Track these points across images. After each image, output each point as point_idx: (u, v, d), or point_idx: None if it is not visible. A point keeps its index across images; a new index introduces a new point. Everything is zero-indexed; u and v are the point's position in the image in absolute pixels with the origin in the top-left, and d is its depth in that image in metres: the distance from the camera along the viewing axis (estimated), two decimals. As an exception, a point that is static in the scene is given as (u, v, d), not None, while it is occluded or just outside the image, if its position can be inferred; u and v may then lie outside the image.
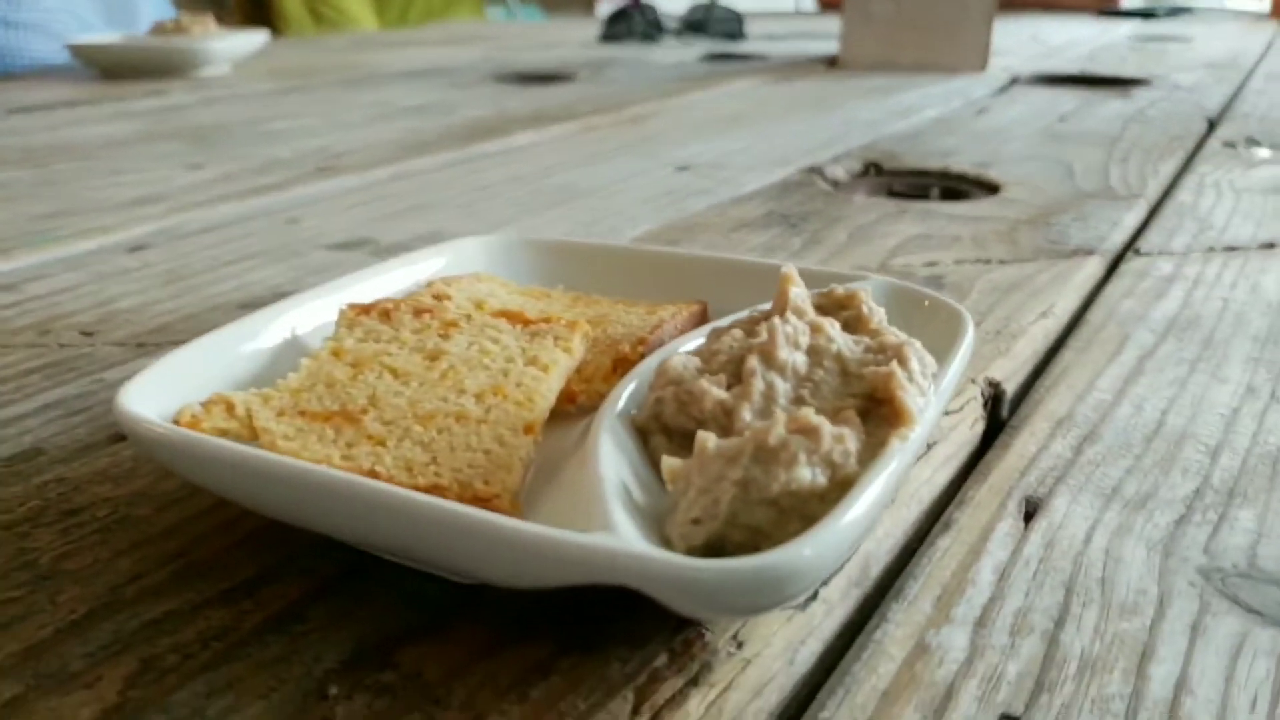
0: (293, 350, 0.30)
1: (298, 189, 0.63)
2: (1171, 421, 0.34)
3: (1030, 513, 0.29)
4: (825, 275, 0.33)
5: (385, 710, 0.20)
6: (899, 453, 0.22)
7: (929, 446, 0.31)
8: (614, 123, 0.89)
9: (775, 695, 0.22)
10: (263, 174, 0.67)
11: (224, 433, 0.25)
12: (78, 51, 1.10)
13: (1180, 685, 0.22)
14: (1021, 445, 0.33)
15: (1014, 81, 1.17)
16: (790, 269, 0.27)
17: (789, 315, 0.25)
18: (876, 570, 0.26)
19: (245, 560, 0.25)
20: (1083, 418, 0.34)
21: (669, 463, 0.22)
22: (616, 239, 0.54)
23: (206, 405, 0.26)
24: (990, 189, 0.67)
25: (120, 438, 0.32)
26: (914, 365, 0.25)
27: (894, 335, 0.26)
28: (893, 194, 0.67)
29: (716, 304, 0.35)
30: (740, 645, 0.22)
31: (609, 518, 0.20)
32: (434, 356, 0.28)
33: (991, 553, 0.27)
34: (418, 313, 0.30)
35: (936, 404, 0.25)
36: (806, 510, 0.21)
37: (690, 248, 0.52)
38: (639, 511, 0.22)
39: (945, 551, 0.27)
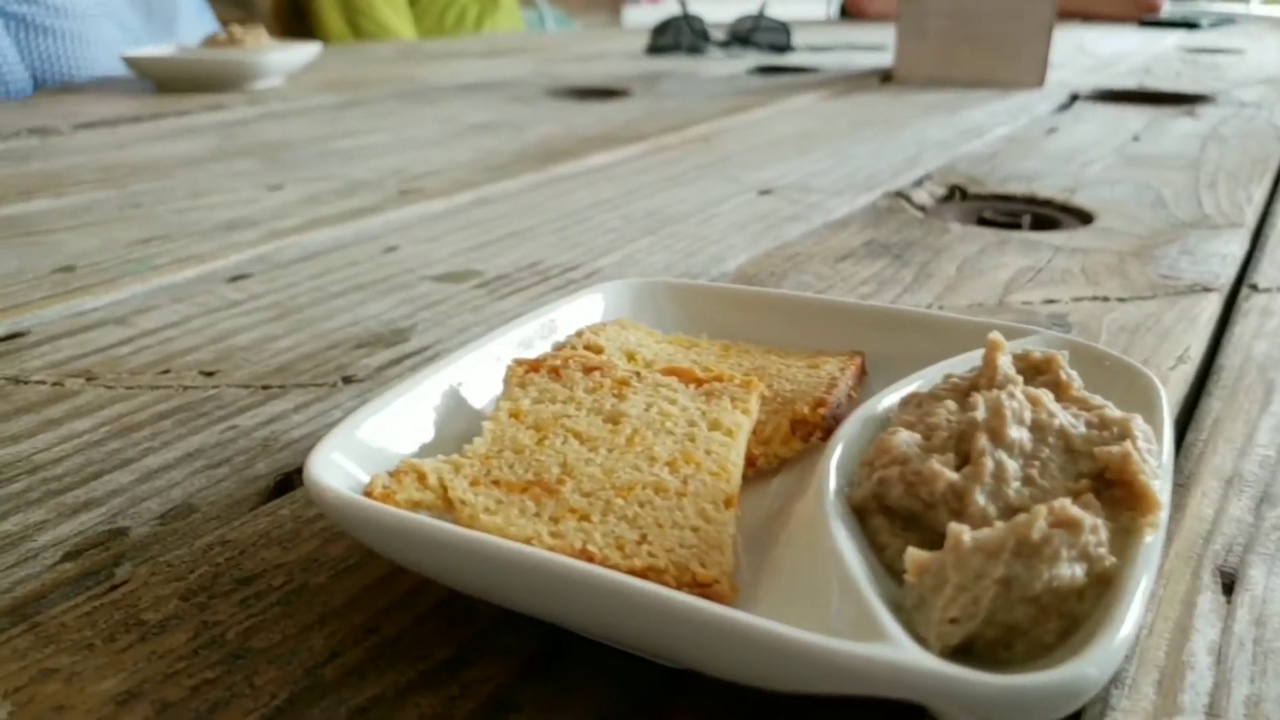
0: (462, 409, 0.29)
1: (387, 214, 0.63)
2: (1349, 481, 0.33)
3: (1228, 585, 0.28)
4: (988, 328, 0.32)
5: (630, 816, 0.19)
6: (1154, 547, 0.21)
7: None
8: (683, 142, 0.88)
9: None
10: (347, 197, 0.67)
11: (417, 504, 0.24)
12: (133, 64, 1.10)
13: None
14: (1196, 507, 0.31)
15: (1075, 98, 1.16)
16: (998, 336, 0.26)
17: (1011, 390, 0.24)
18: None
19: (438, 637, 0.24)
20: (1252, 475, 0.33)
21: (915, 555, 0.21)
22: (721, 268, 0.53)
23: (396, 475, 0.25)
24: (1082, 217, 0.66)
25: (273, 493, 0.31)
26: (1142, 443, 0.23)
27: (1110, 408, 0.25)
28: (983, 221, 0.66)
29: (871, 354, 0.34)
30: (980, 741, 0.21)
31: (881, 626, 0.18)
32: (614, 419, 0.27)
33: (1201, 631, 0.26)
34: (587, 370, 0.29)
35: (1166, 483, 0.23)
36: (1064, 607, 0.20)
37: (798, 279, 0.51)
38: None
39: (1150, 628, 0.26)
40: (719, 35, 1.53)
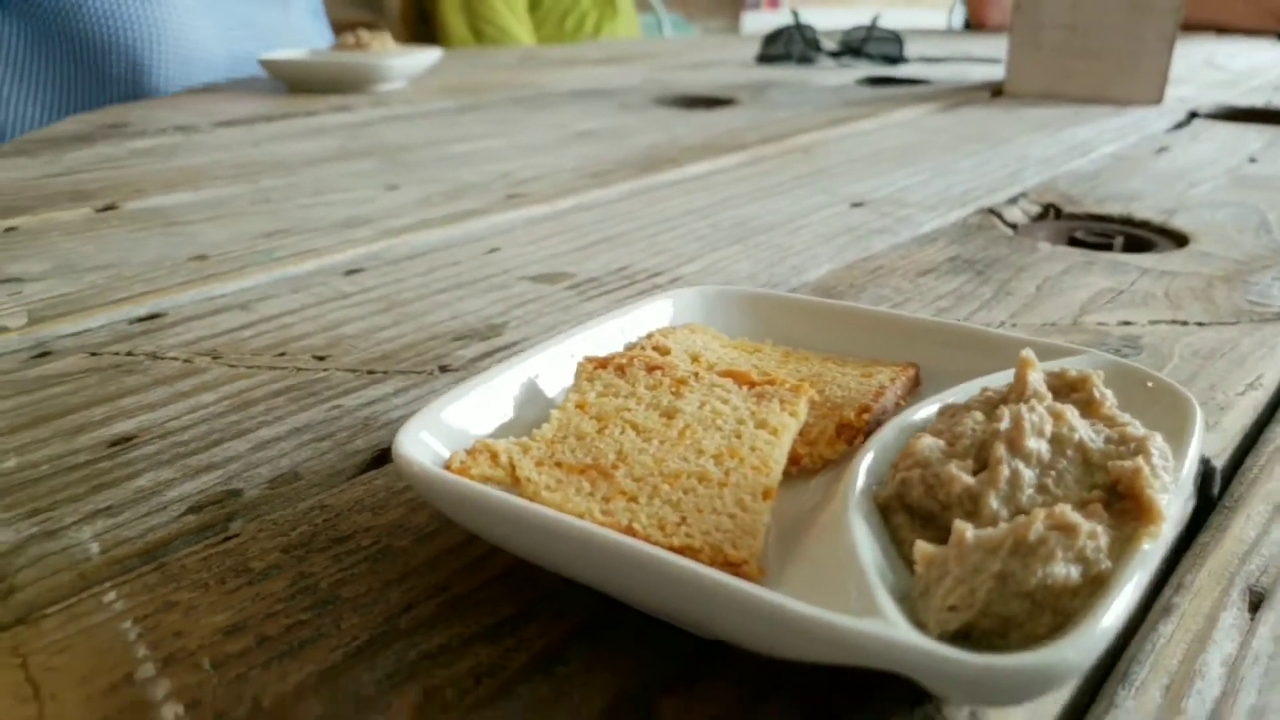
0: (535, 399, 0.32)
1: (493, 217, 0.66)
2: (1403, 512, 0.33)
3: (1256, 604, 0.29)
4: (1041, 346, 0.34)
5: (651, 760, 0.22)
6: (1151, 555, 0.22)
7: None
8: (782, 152, 0.90)
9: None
10: (457, 199, 0.71)
11: (488, 479, 0.27)
12: (268, 66, 1.17)
13: None
14: (1239, 529, 0.32)
15: (1193, 116, 1.13)
16: (1029, 354, 0.28)
17: (1033, 404, 0.26)
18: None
19: (504, 597, 0.27)
20: (1304, 504, 0.34)
21: (922, 547, 0.23)
22: (801, 278, 0.55)
23: (472, 453, 0.28)
24: (1178, 240, 0.65)
25: (370, 465, 0.34)
26: (1157, 460, 0.25)
27: (1134, 426, 0.26)
28: (1074, 242, 0.66)
29: (928, 367, 0.36)
30: (973, 715, 0.23)
31: (878, 604, 0.21)
32: (670, 414, 0.30)
33: (1219, 643, 0.27)
34: (650, 369, 0.32)
35: (1178, 499, 0.25)
36: (1059, 605, 0.22)
37: (875, 293, 0.53)
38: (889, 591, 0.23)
39: (1169, 638, 0.27)
40: (831, 45, 1.53)
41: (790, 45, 1.52)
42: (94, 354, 0.43)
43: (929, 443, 0.26)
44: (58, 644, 0.25)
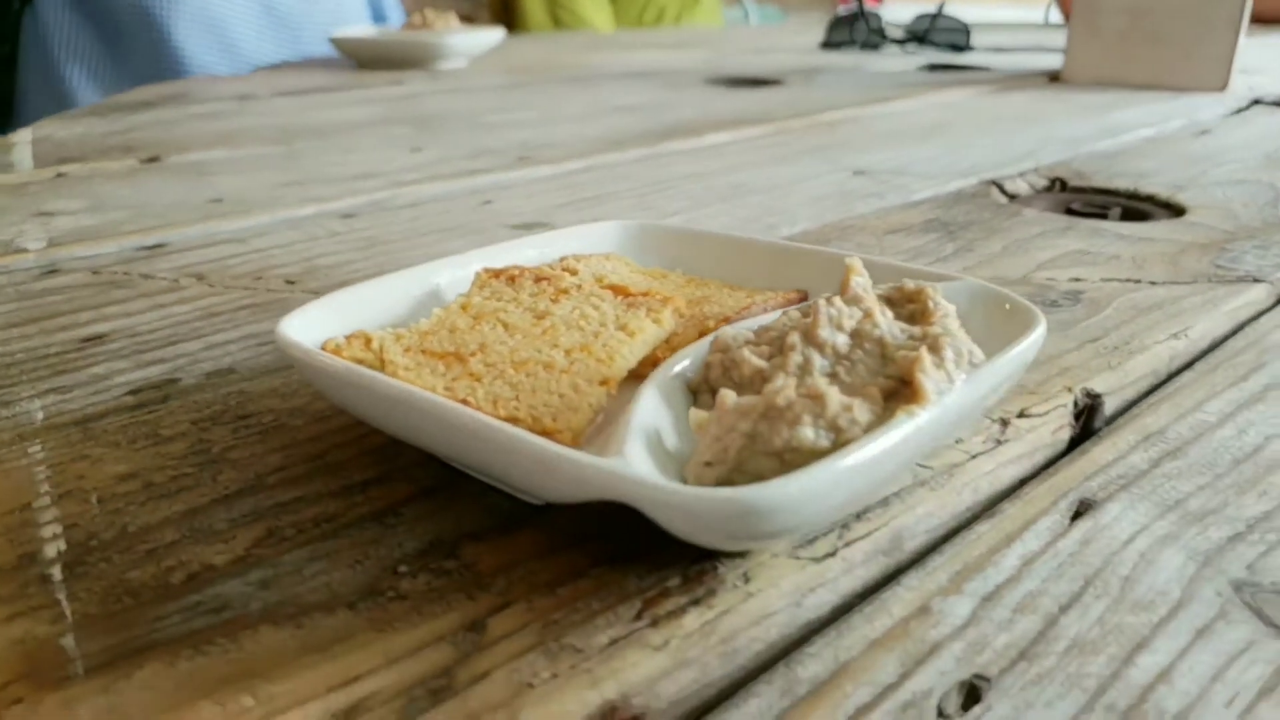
0: (434, 302, 0.36)
1: (498, 175, 0.70)
2: (1272, 449, 0.34)
3: (1080, 512, 0.30)
4: (922, 274, 0.35)
5: (439, 588, 0.25)
6: (901, 425, 0.24)
7: (997, 443, 0.33)
8: (807, 127, 0.91)
9: (776, 629, 0.24)
10: (471, 160, 0.75)
11: (360, 361, 0.30)
12: (338, 44, 1.24)
13: (1163, 675, 0.23)
14: (1099, 454, 0.33)
15: (1255, 103, 1.10)
16: (854, 259, 0.30)
17: (836, 300, 0.28)
18: (910, 544, 0.29)
19: (367, 465, 0.30)
20: (1175, 435, 0.35)
21: (695, 413, 0.25)
22: (770, 235, 0.57)
23: (349, 338, 0.31)
24: (1177, 212, 0.65)
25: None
26: (947, 354, 0.27)
27: (944, 327, 0.28)
28: (1070, 212, 0.66)
29: (817, 292, 0.38)
30: (748, 581, 0.25)
31: (623, 446, 0.23)
32: (541, 316, 0.33)
33: (1025, 541, 0.28)
34: (538, 280, 0.35)
35: (968, 392, 0.26)
36: (807, 467, 0.24)
37: (838, 247, 0.54)
38: (669, 454, 0.25)
39: (980, 536, 0.29)
40: (897, 33, 1.53)
41: (854, 32, 1.52)
42: (95, 272, 0.48)
43: (732, 331, 0.28)
44: (-22, 480, 0.30)
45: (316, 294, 0.46)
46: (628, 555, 0.26)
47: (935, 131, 0.90)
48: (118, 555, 0.26)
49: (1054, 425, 0.35)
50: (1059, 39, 1.72)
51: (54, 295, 0.45)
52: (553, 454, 0.23)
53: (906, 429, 0.24)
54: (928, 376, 0.25)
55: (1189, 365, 0.41)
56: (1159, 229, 0.60)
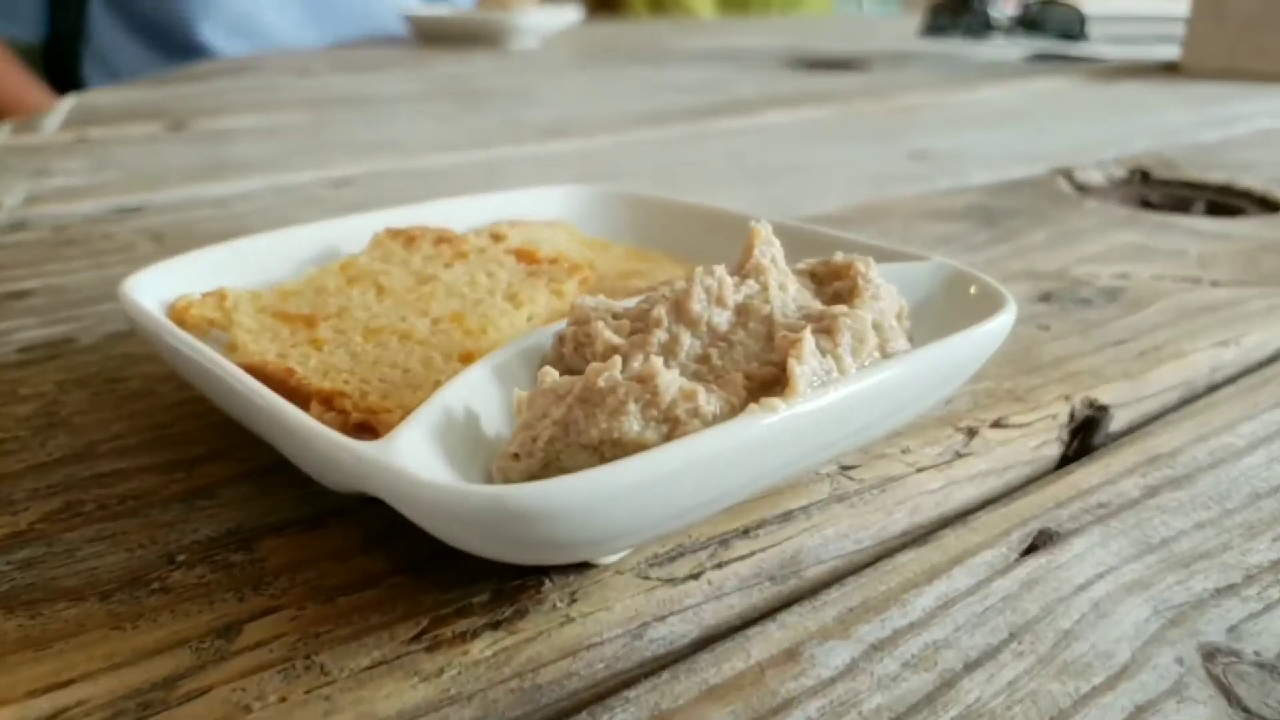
0: (330, 261, 0.32)
1: (516, 148, 0.67)
2: (1305, 485, 0.27)
3: (1035, 546, 0.24)
4: (883, 252, 0.30)
5: (210, 584, 0.21)
6: (750, 422, 0.19)
7: (957, 455, 0.28)
8: (879, 111, 0.85)
9: (600, 664, 0.20)
10: (498, 133, 0.71)
11: (211, 321, 0.27)
12: (412, 21, 1.23)
13: (1070, 764, 0.18)
14: (1083, 476, 0.28)
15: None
16: (761, 224, 0.25)
17: (717, 270, 0.23)
18: (808, 569, 0.24)
19: (206, 440, 0.27)
20: (1188, 459, 0.28)
21: (518, 395, 0.21)
22: (793, 212, 0.52)
23: (205, 295, 0.28)
24: (1272, 208, 0.57)
25: (203, 329, 0.35)
26: (844, 337, 0.22)
27: (867, 309, 0.23)
28: (1146, 205, 0.59)
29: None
30: (572, 602, 0.21)
31: (397, 431, 0.19)
32: (425, 281, 0.29)
33: (953, 578, 0.23)
34: (439, 241, 0.31)
35: (866, 387, 0.21)
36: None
37: (858, 230, 0.49)
38: (485, 444, 0.21)
39: (899, 567, 0.23)
40: (1004, 21, 1.44)
41: (957, 18, 1.43)
42: (58, 229, 0.47)
43: (594, 301, 0.23)
44: None
45: (268, 258, 0.43)
46: (441, 563, 0.22)
47: (1016, 117, 0.83)
48: (-108, 521, 0.23)
49: (1037, 440, 0.29)
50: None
51: (6, 250, 0.44)
52: (310, 433, 0.19)
53: (757, 428, 0.19)
54: (802, 363, 0.20)
55: (1232, 379, 0.34)
56: (1243, 225, 0.52)
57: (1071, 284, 0.42)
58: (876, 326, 0.23)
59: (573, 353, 0.23)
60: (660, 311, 0.22)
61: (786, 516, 0.25)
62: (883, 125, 0.78)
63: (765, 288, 0.23)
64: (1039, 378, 0.33)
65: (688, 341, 0.22)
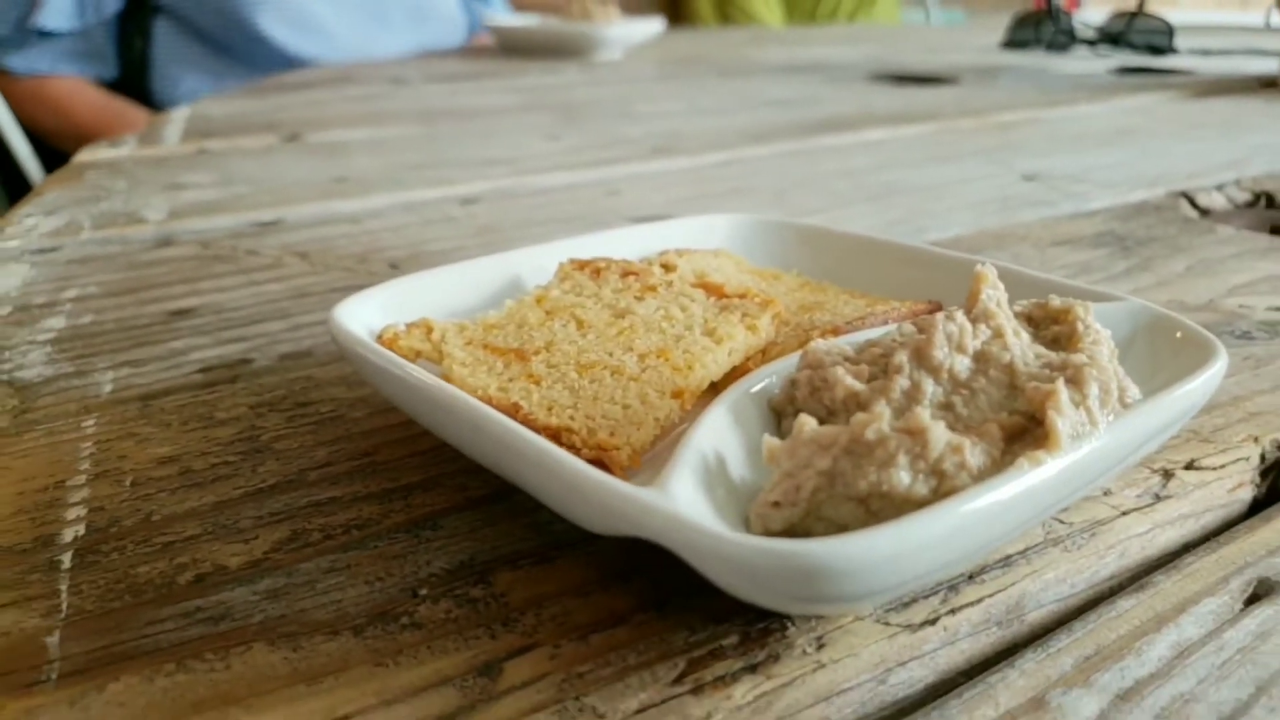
0: (514, 292, 0.32)
1: (631, 166, 0.67)
2: None
3: (1259, 595, 0.24)
4: (1078, 291, 0.30)
5: (459, 619, 0.22)
6: (1021, 476, 0.19)
7: (1156, 499, 0.27)
8: (977, 128, 0.84)
9: (849, 709, 0.20)
10: (606, 150, 0.72)
11: (418, 352, 0.28)
12: (495, 32, 1.24)
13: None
14: (1286, 522, 0.27)
15: None
16: (987, 267, 0.25)
17: (958, 315, 0.23)
18: (1032, 616, 0.23)
19: (416, 468, 0.27)
20: (1390, 507, 0.28)
21: (770, 442, 0.21)
22: (912, 239, 0.51)
23: (410, 326, 0.28)
24: None
25: (375, 352, 0.36)
26: (1091, 389, 0.21)
27: (1090, 355, 0.23)
28: (1276, 231, 0.58)
29: (952, 303, 0.32)
30: (820, 648, 0.21)
31: (667, 477, 0.19)
32: (621, 314, 0.29)
33: (1181, 626, 0.23)
34: (625, 274, 0.31)
35: (1116, 438, 0.21)
36: (897, 518, 0.19)
37: (992, 258, 0.48)
38: (733, 488, 0.21)
39: (1123, 614, 0.23)
40: (1088, 34, 1.41)
41: (1040, 31, 1.41)
42: (205, 246, 0.48)
43: (827, 345, 0.23)
44: (24, 451, 0.28)
45: (416, 278, 0.44)
46: (682, 601, 0.22)
47: (1122, 137, 0.81)
48: (133, 546, 0.24)
49: (1232, 482, 0.29)
50: (1278, 43, 1.56)
51: (159, 267, 0.45)
52: (581, 477, 0.19)
53: (1028, 481, 0.19)
54: (1062, 416, 0.20)
55: None
56: (1384, 254, 0.51)
57: (1227, 317, 0.41)
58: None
59: (807, 397, 0.23)
60: (901, 358, 0.22)
61: (1008, 561, 0.24)
62: (984, 143, 0.78)
63: (1000, 334, 0.23)
64: (1220, 417, 0.32)
65: (930, 389, 0.22)
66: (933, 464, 0.19)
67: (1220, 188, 0.65)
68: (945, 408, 0.22)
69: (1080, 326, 0.25)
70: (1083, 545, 0.26)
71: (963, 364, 0.22)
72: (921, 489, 0.19)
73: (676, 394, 0.25)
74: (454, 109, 0.88)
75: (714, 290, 0.30)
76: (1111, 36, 1.39)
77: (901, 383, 0.22)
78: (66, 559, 0.24)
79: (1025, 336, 0.24)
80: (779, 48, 1.51)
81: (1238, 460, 0.30)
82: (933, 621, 0.22)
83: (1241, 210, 0.62)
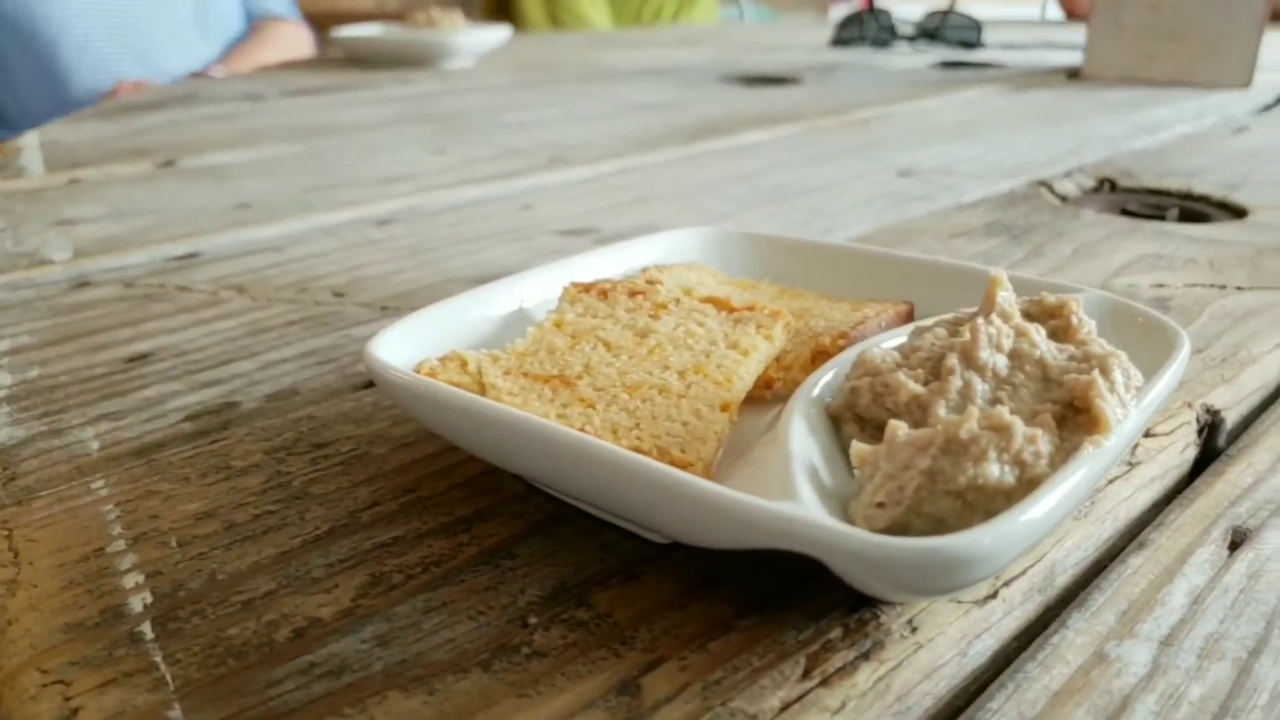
0: (519, 319, 0.33)
1: (532, 178, 0.67)
2: None
3: (1237, 542, 0.28)
4: (1040, 285, 0.33)
5: (578, 642, 0.22)
6: (1090, 459, 0.22)
7: (1130, 465, 0.31)
8: (840, 125, 0.89)
9: (945, 681, 0.22)
10: (500, 162, 0.72)
11: (458, 385, 0.28)
12: (340, 42, 1.21)
13: (1386, 733, 0.21)
14: (1236, 475, 0.31)
15: (1280, 99, 1.08)
16: (1000, 273, 0.27)
17: (993, 318, 0.25)
18: (1062, 579, 0.26)
19: (465, 500, 0.28)
20: (1316, 453, 0.32)
21: (858, 447, 0.23)
22: (832, 237, 0.54)
23: (443, 360, 0.29)
24: (1237, 214, 0.63)
25: (364, 386, 0.35)
26: (1117, 377, 0.24)
27: (1100, 346, 0.26)
28: (1125, 213, 0.64)
29: (924, 306, 0.35)
30: (914, 630, 0.23)
31: (795, 489, 0.21)
32: (644, 334, 0.30)
33: (1187, 576, 0.26)
34: (632, 294, 0.32)
35: (1137, 419, 0.24)
36: (992, 506, 0.21)
37: (907, 252, 0.52)
38: (824, 490, 0.23)
39: (1137, 570, 0.26)
40: (907, 30, 1.51)
41: (864, 29, 1.50)
42: (128, 285, 0.45)
43: (880, 352, 0.25)
44: (42, 520, 0.27)
45: (368, 307, 0.43)
46: (772, 603, 0.24)
47: (966, 129, 0.88)
48: (211, 608, 0.23)
49: (1181, 444, 0.33)
50: (1068, 35, 1.71)
51: (88, 310, 0.42)
52: (717, 497, 0.20)
53: (1097, 462, 0.22)
54: (1106, 403, 0.23)
55: (1305, 376, 0.39)
56: (1227, 231, 0.58)
57: (1124, 296, 0.46)
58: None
59: (870, 402, 0.25)
60: (953, 360, 0.24)
61: (1036, 535, 0.27)
62: (851, 140, 0.82)
63: (1024, 333, 0.26)
64: (1153, 388, 0.36)
65: (980, 387, 0.24)
66: (1014, 455, 0.22)
67: (1068, 175, 0.71)
68: (994, 402, 0.24)
69: (1074, 320, 0.28)
70: (1086, 514, 0.29)
71: (1002, 362, 0.25)
72: (1009, 479, 0.21)
73: (725, 407, 0.27)
74: (325, 125, 0.85)
75: (722, 305, 0.32)
76: (928, 32, 1.49)
77: (955, 383, 0.24)
78: (147, 629, 0.23)
79: (1043, 333, 0.26)
80: (620, 51, 1.54)
81: (1182, 425, 0.34)
82: (994, 595, 0.25)
83: (1091, 195, 0.69)
